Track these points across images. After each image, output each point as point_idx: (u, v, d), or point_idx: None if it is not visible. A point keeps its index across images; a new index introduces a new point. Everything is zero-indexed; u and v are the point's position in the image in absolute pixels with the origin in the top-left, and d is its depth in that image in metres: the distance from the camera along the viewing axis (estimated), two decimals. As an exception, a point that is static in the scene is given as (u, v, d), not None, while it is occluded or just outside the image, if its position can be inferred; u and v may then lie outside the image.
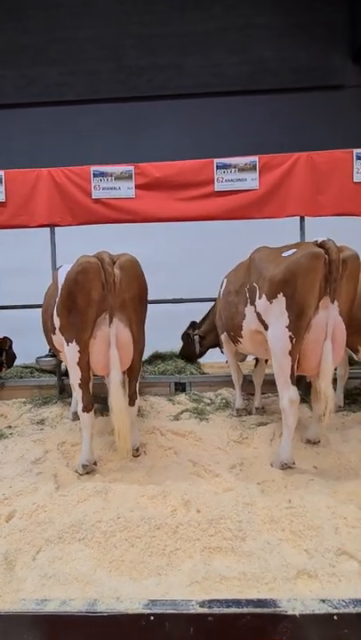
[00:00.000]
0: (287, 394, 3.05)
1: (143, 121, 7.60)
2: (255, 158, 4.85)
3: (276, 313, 3.04)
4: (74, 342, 3.08)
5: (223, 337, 4.41)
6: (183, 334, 5.67)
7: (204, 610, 1.84)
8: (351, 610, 1.81)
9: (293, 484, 2.83)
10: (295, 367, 3.04)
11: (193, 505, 2.55)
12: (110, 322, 3.05)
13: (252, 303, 3.38)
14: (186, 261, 6.75)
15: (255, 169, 4.84)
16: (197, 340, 5.53)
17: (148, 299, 3.40)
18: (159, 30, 7.48)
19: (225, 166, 4.86)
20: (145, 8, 7.49)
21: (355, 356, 4.05)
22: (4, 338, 5.89)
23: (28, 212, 4.97)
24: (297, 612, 1.81)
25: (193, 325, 5.63)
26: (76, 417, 4.17)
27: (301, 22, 7.37)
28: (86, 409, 3.17)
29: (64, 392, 4.98)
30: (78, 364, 3.11)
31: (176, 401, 4.70)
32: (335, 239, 2.98)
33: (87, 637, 1.80)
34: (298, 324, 2.94)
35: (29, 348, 5.39)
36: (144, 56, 7.53)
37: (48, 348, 4.59)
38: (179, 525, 2.34)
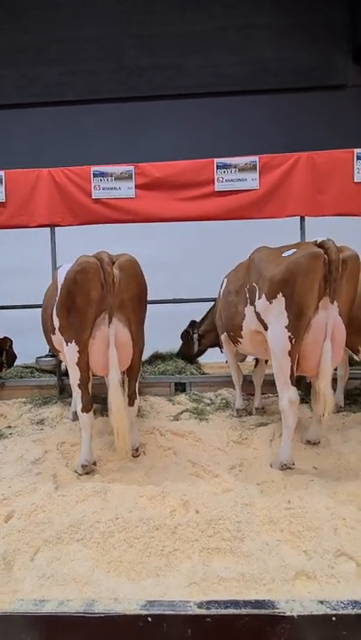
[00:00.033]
0: (287, 394, 3.04)
1: (143, 121, 7.59)
2: (255, 158, 4.84)
3: (276, 313, 3.03)
4: (73, 342, 3.07)
5: (223, 337, 4.40)
6: (182, 333, 5.68)
7: (202, 611, 1.84)
8: (350, 611, 1.81)
9: (293, 485, 2.82)
10: (295, 367, 3.04)
11: (192, 505, 2.54)
12: (109, 322, 3.04)
13: (252, 303, 3.37)
14: (186, 261, 6.75)
15: (255, 169, 4.83)
16: (196, 339, 5.53)
17: (149, 299, 3.40)
18: (159, 30, 7.46)
19: (225, 166, 4.86)
20: (145, 8, 7.48)
21: (355, 357, 4.04)
22: (5, 338, 5.90)
23: (29, 212, 4.97)
24: (295, 614, 1.80)
25: (193, 324, 5.63)
26: (75, 417, 4.16)
27: (301, 22, 7.35)
28: (85, 409, 3.17)
29: (64, 392, 4.98)
30: (77, 364, 3.11)
31: (176, 401, 4.69)
32: (335, 239, 2.97)
33: (85, 638, 1.80)
34: (297, 324, 2.93)
35: (29, 348, 5.38)
36: (144, 56, 7.52)
37: (48, 348, 4.59)
38: (177, 526, 2.34)
